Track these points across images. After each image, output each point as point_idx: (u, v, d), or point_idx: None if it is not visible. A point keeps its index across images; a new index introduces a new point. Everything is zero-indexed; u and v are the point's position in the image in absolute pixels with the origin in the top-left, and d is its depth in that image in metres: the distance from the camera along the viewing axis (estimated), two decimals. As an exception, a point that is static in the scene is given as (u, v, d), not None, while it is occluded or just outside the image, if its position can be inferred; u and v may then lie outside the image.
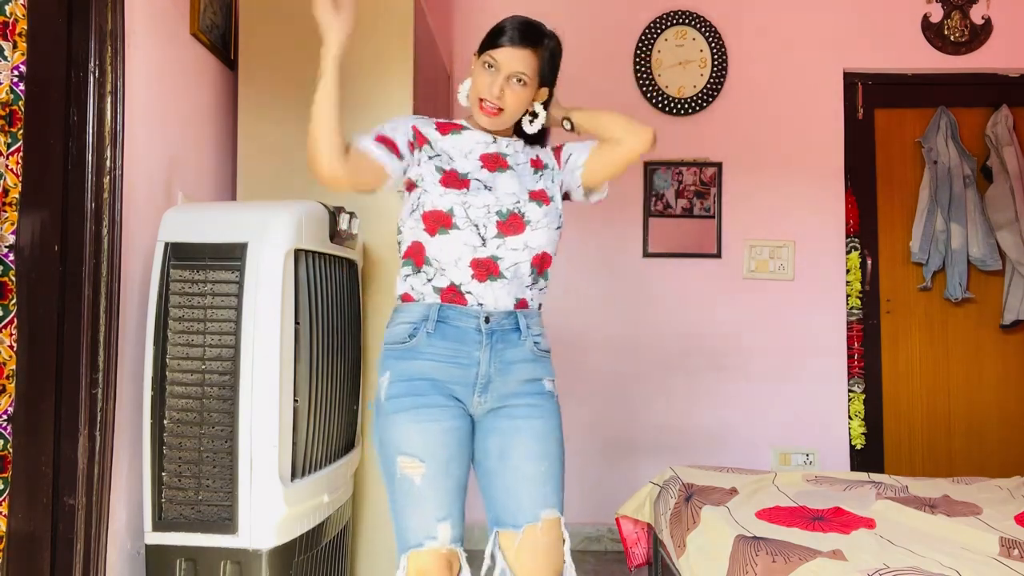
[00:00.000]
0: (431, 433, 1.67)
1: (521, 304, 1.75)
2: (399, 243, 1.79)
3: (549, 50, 1.78)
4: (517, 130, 1.86)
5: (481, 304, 1.71)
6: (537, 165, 1.85)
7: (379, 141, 1.77)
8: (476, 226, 1.70)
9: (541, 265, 1.77)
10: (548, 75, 1.81)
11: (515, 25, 1.75)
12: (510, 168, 1.79)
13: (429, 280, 1.72)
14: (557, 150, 1.88)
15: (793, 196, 3.73)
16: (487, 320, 1.71)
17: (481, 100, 1.74)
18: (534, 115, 1.83)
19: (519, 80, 1.73)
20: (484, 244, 1.71)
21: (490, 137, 1.82)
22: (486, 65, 1.75)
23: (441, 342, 1.70)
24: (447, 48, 3.66)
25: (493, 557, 1.75)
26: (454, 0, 3.78)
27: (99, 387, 1.87)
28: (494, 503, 1.75)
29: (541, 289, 1.80)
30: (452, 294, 1.71)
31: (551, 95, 1.86)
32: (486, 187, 1.75)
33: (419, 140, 1.81)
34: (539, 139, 1.88)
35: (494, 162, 1.79)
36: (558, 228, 1.79)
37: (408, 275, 1.75)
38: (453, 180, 1.74)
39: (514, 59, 1.72)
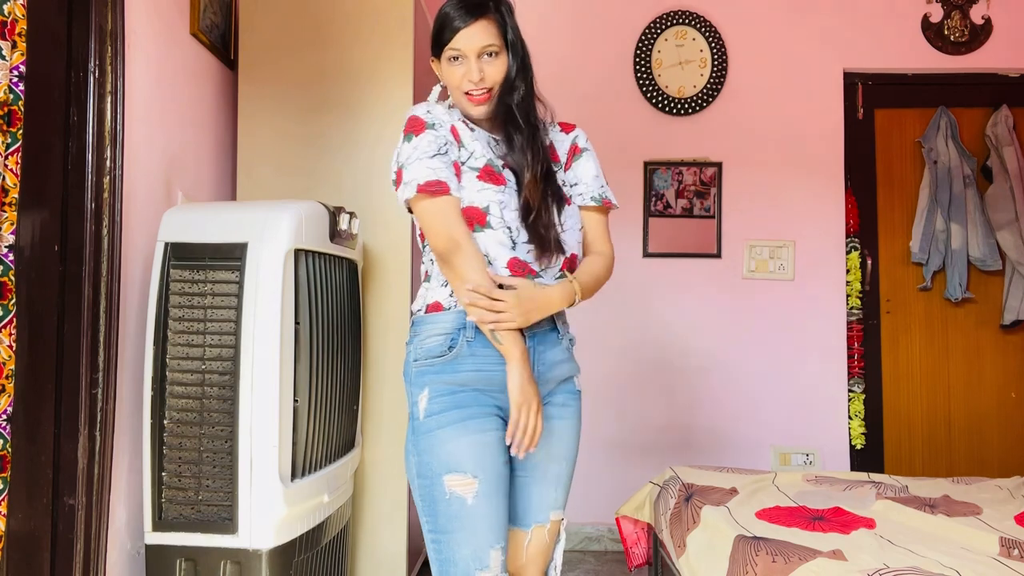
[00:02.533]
0: (483, 445, 1.56)
1: None
2: (424, 249, 1.71)
3: (500, 12, 1.68)
4: (516, 129, 1.70)
5: None
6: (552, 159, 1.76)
7: (440, 183, 1.62)
8: (508, 228, 1.62)
9: (571, 267, 1.71)
10: (513, 38, 1.68)
11: (456, 5, 1.65)
12: None
13: None
14: (573, 149, 1.79)
15: (793, 196, 3.73)
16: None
17: (467, 93, 1.66)
18: (512, 88, 1.69)
19: (490, 54, 1.65)
20: (514, 247, 1.63)
21: (493, 140, 1.74)
22: (451, 59, 1.66)
23: (483, 349, 1.60)
24: (447, 48, 3.66)
25: None
26: (454, 0, 3.78)
27: (99, 387, 1.87)
28: (516, 499, 1.71)
29: None
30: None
31: (527, 61, 1.71)
32: (516, 190, 1.67)
33: (456, 139, 1.70)
34: (528, 118, 1.69)
35: (506, 166, 1.71)
36: (580, 228, 1.74)
37: (445, 282, 1.64)
38: (491, 175, 1.65)
39: (475, 36, 1.63)
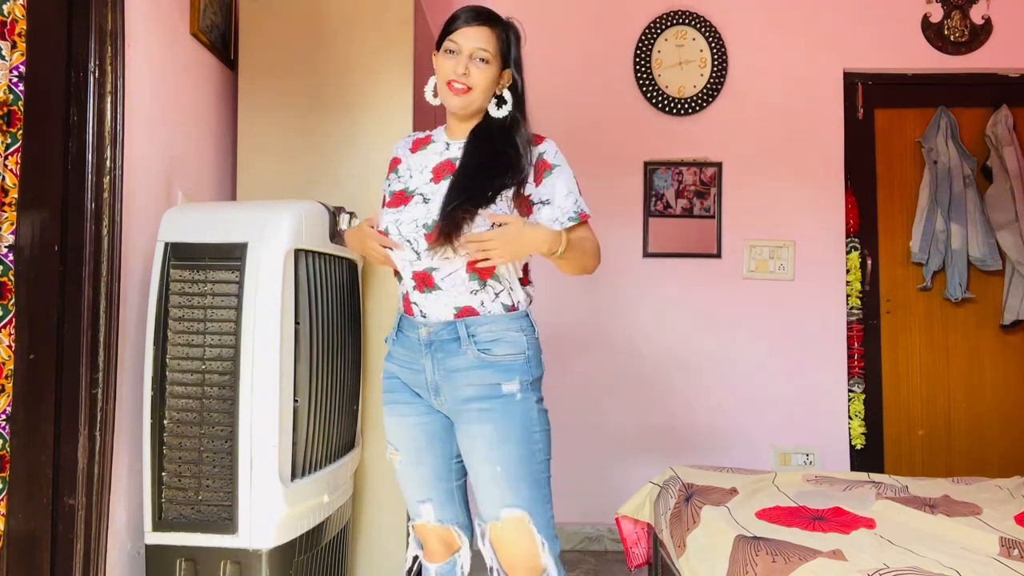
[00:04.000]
0: (400, 426, 1.89)
1: (464, 312, 1.77)
2: None
3: (506, 31, 1.83)
4: (482, 130, 1.85)
5: (424, 315, 1.81)
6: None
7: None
8: (409, 241, 1.78)
9: (483, 270, 1.76)
10: (508, 56, 1.84)
11: (468, 9, 1.82)
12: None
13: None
14: (542, 165, 1.83)
15: (793, 196, 3.73)
16: (427, 332, 1.79)
17: (449, 82, 1.79)
18: (501, 100, 1.85)
19: (482, 59, 1.78)
20: (419, 257, 1.77)
21: (445, 144, 1.88)
22: (447, 52, 1.81)
23: (400, 349, 1.87)
24: (447, 48, 3.66)
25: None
26: (454, 0, 3.78)
27: (99, 387, 1.87)
28: (476, 497, 1.85)
29: (500, 292, 1.79)
30: (407, 304, 1.85)
31: (519, 80, 1.86)
32: (425, 200, 1.79)
33: (389, 171, 1.96)
34: (508, 129, 1.83)
35: (442, 171, 1.83)
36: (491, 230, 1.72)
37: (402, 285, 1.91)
38: (397, 199, 1.83)
39: (473, 37, 1.78)
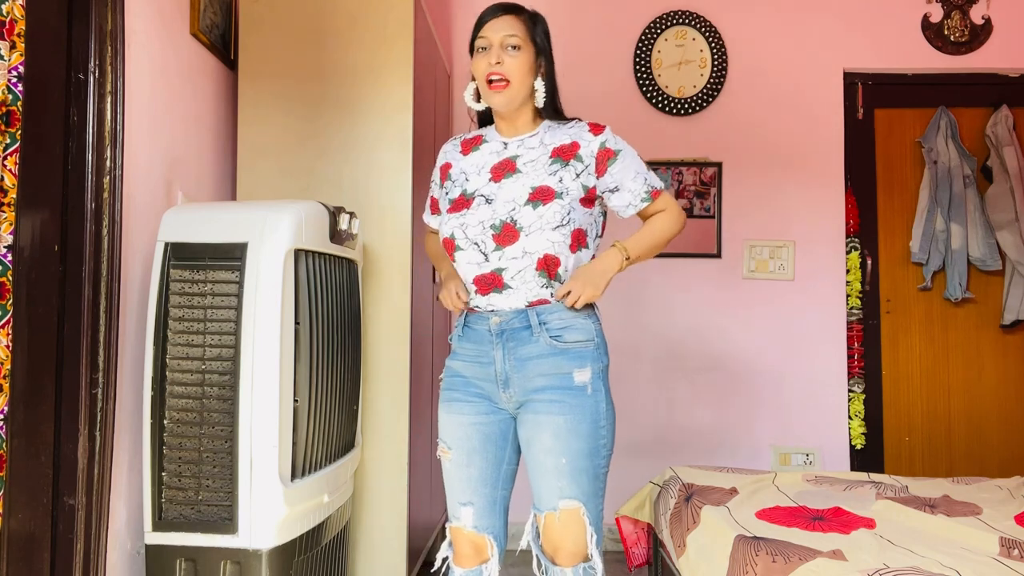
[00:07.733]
0: (456, 425, 1.85)
1: (536, 303, 1.78)
2: None
3: (532, 17, 1.84)
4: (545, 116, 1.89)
5: (493, 308, 1.81)
6: (562, 154, 1.83)
7: (432, 210, 2.03)
8: (476, 244, 1.78)
9: (550, 267, 1.77)
10: (541, 42, 1.83)
11: (491, 5, 1.82)
12: (518, 170, 1.82)
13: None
14: (605, 154, 1.83)
15: (793, 196, 3.73)
16: (497, 321, 1.79)
17: (487, 79, 1.79)
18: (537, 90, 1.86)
19: (513, 46, 1.78)
20: (487, 259, 1.77)
21: (502, 144, 1.87)
22: (479, 50, 1.81)
23: (467, 344, 1.85)
24: (447, 48, 3.66)
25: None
26: (454, 0, 3.78)
27: (99, 387, 1.87)
28: (531, 486, 1.83)
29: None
30: (470, 307, 1.85)
31: (551, 67, 1.87)
32: (487, 201, 1.79)
33: (442, 177, 1.95)
34: (557, 114, 1.89)
35: (502, 170, 1.83)
36: (559, 227, 1.75)
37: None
38: (459, 204, 1.83)
39: (500, 27, 1.79)
